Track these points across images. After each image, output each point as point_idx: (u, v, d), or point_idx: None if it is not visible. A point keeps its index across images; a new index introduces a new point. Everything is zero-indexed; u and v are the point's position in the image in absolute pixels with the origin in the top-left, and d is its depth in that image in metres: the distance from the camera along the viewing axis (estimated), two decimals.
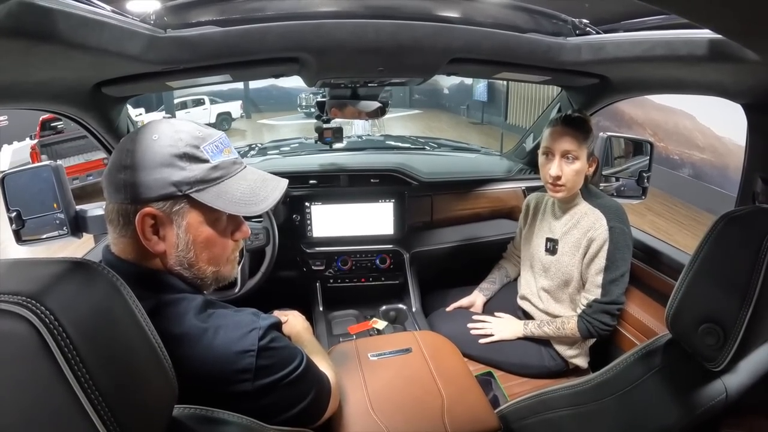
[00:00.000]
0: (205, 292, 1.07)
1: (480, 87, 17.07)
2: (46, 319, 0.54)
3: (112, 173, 0.96)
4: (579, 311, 1.86)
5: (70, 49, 0.89)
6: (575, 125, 1.81)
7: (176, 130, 0.98)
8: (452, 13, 1.37)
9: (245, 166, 1.09)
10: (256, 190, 1.05)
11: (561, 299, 1.96)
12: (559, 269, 1.93)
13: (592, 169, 1.88)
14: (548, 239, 1.99)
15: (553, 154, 1.83)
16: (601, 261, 1.79)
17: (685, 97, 7.84)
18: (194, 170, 0.96)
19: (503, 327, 2.05)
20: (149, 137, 0.96)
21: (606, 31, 1.50)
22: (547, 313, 2.00)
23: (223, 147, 1.03)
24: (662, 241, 2.09)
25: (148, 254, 0.98)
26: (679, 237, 6.39)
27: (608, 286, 1.79)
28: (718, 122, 7.56)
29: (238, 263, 1.92)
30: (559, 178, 1.81)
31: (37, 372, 0.54)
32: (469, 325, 2.07)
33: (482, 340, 2.02)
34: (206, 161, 0.98)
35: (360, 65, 1.54)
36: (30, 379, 0.54)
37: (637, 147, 2.31)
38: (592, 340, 1.95)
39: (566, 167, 1.80)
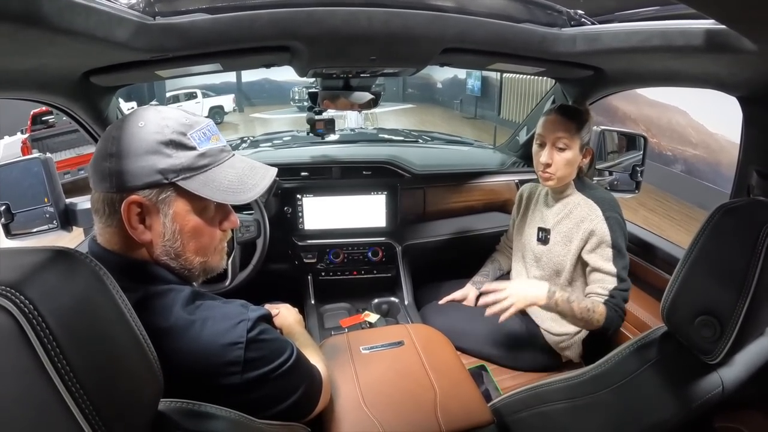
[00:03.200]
0: (194, 283, 1.05)
1: (471, 81, 17.09)
2: (26, 309, 0.52)
3: (97, 161, 0.95)
4: (601, 300, 1.77)
5: (56, 35, 0.87)
6: (569, 115, 1.81)
7: (163, 117, 0.96)
8: (446, 2, 1.36)
9: (233, 154, 1.07)
10: (244, 178, 1.04)
11: None
12: (550, 259, 1.92)
13: (586, 161, 1.88)
14: (540, 229, 1.98)
15: (545, 142, 1.83)
16: (607, 251, 1.77)
17: (679, 93, 7.93)
18: (181, 157, 0.95)
19: (522, 288, 1.75)
20: (135, 124, 0.94)
21: (601, 22, 1.48)
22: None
23: (211, 134, 1.02)
24: (656, 234, 2.09)
25: (135, 244, 0.97)
26: (671, 232, 6.42)
27: (622, 273, 1.77)
28: (711, 119, 7.61)
29: (228, 255, 1.92)
30: (549, 165, 1.81)
31: (16, 363, 0.52)
32: (481, 300, 1.80)
33: (502, 317, 1.70)
34: (193, 148, 0.97)
35: (352, 54, 1.52)
36: (9, 370, 0.52)
37: (630, 141, 2.31)
38: (585, 333, 1.94)
39: (557, 156, 1.80)
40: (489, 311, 1.73)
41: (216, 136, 1.03)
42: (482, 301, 1.78)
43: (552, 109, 1.85)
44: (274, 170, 1.11)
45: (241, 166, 1.06)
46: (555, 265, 1.91)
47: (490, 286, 1.80)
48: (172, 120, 0.96)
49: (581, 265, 1.87)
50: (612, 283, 1.76)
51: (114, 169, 0.92)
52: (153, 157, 0.93)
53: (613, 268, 1.76)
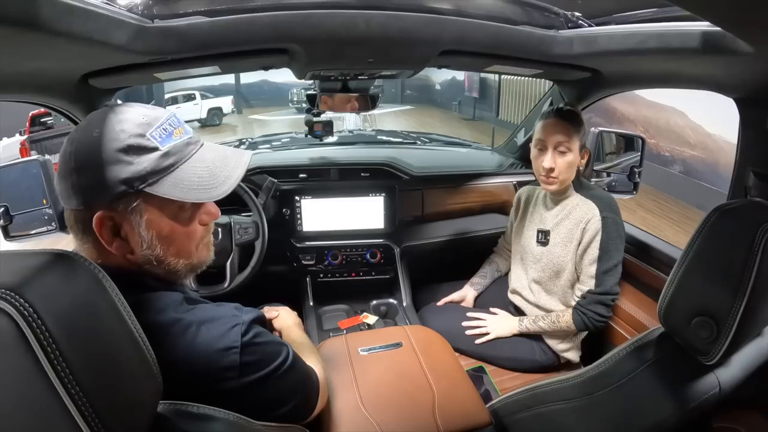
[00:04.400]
0: (187, 282, 1.04)
1: (469, 82, 17.10)
2: (25, 312, 0.52)
3: (60, 180, 0.91)
4: (573, 303, 1.86)
5: (54, 38, 0.87)
6: (567, 117, 1.81)
7: (119, 120, 0.90)
8: (443, 5, 1.36)
9: (201, 144, 1.01)
10: (215, 171, 0.97)
11: (552, 291, 1.96)
12: (550, 260, 1.92)
13: (584, 162, 1.88)
14: (539, 231, 1.99)
15: (546, 147, 1.82)
16: (594, 251, 1.80)
17: (677, 94, 7.93)
18: (143, 162, 0.89)
19: (498, 324, 2.03)
20: (90, 134, 0.88)
21: (598, 24, 1.49)
22: (538, 306, 2.00)
23: (173, 129, 0.95)
24: (653, 235, 2.09)
25: (114, 257, 0.93)
26: (669, 233, 6.42)
27: (602, 276, 1.79)
28: (709, 120, 7.62)
29: (227, 257, 1.92)
30: (552, 170, 1.81)
31: (16, 366, 0.52)
32: (464, 324, 2.06)
33: (478, 341, 2.01)
34: (155, 149, 0.90)
35: (350, 56, 1.52)
36: (9, 373, 0.52)
37: (628, 142, 2.31)
38: (584, 334, 1.95)
39: (559, 159, 1.80)
40: (469, 332, 2.05)
41: (179, 128, 0.96)
42: (465, 323, 2.08)
43: (549, 113, 1.85)
44: (249, 154, 1.06)
45: (211, 157, 0.99)
46: (555, 266, 1.91)
47: (474, 315, 2.11)
48: (128, 122, 0.90)
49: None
50: (588, 285, 1.82)
51: (77, 186, 0.88)
52: (114, 167, 0.87)
53: (591, 270, 1.81)
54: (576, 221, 1.85)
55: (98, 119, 0.90)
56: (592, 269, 1.80)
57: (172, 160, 0.92)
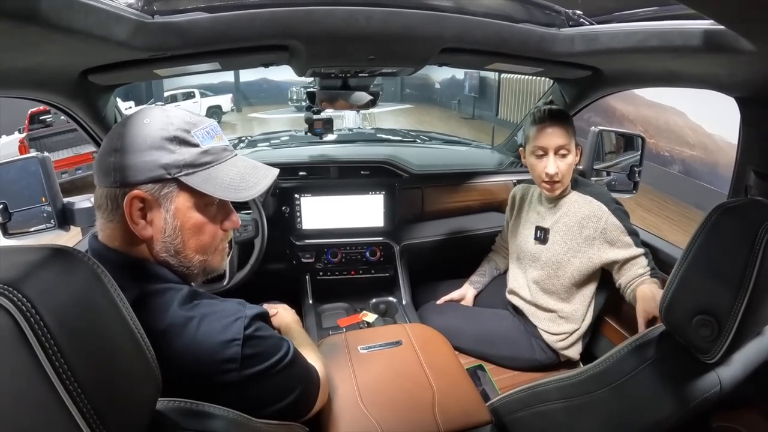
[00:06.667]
0: (192, 283, 1.05)
1: (469, 82, 17.07)
2: (23, 307, 0.52)
3: (102, 157, 0.96)
4: (638, 279, 1.77)
5: (54, 32, 0.87)
6: (562, 119, 1.81)
7: (168, 115, 0.98)
8: (444, 2, 1.36)
9: (235, 154, 1.08)
10: (246, 176, 1.05)
11: (551, 290, 1.94)
12: (549, 258, 1.91)
13: (578, 159, 1.88)
14: (538, 228, 1.98)
15: (546, 152, 1.81)
16: (626, 239, 1.78)
17: (677, 94, 7.93)
18: (184, 153, 0.96)
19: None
20: (141, 121, 0.96)
21: (600, 23, 1.48)
22: (536, 305, 1.99)
23: (214, 134, 1.03)
24: (654, 234, 2.09)
25: (135, 240, 0.97)
26: (668, 233, 6.42)
27: (642, 246, 1.80)
28: (709, 120, 7.61)
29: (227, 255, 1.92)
30: (556, 175, 1.80)
31: (13, 362, 0.52)
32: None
33: None
34: (196, 145, 0.98)
35: (351, 53, 1.52)
36: (6, 368, 0.52)
37: (628, 141, 2.31)
38: (583, 332, 1.93)
39: (560, 163, 1.80)
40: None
41: (219, 135, 1.04)
42: None
43: (543, 117, 1.83)
44: (276, 171, 1.12)
45: (243, 164, 1.07)
46: (555, 264, 1.90)
47: None
48: (177, 118, 0.98)
49: (590, 265, 1.86)
50: (645, 260, 1.77)
51: (117, 164, 0.93)
52: (156, 152, 0.94)
53: (640, 250, 1.78)
54: (579, 219, 1.84)
55: (150, 112, 0.99)
56: (638, 250, 1.78)
57: (209, 158, 1.00)
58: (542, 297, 1.97)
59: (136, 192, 0.93)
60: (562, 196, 1.91)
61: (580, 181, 1.94)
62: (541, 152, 1.83)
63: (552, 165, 1.80)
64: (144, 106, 1.04)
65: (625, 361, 1.12)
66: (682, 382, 1.03)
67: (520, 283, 2.08)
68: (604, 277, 1.90)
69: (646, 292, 1.67)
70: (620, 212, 1.80)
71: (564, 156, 1.80)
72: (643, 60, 1.46)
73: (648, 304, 1.64)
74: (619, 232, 1.79)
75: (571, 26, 1.52)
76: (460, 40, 1.45)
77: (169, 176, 0.95)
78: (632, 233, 1.79)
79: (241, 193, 1.02)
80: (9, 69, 1.15)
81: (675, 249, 1.93)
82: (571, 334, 1.93)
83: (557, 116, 1.81)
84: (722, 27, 1.04)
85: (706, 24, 1.11)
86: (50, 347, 0.53)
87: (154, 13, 1.18)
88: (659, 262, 1.90)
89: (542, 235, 1.95)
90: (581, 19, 1.50)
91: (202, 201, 1.00)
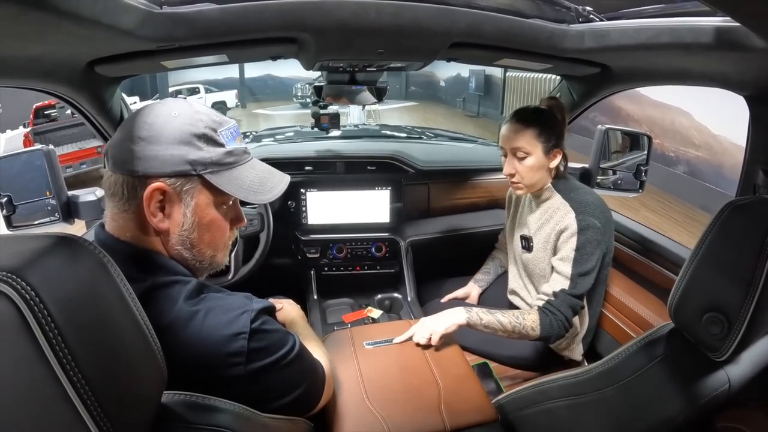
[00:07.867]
0: (199, 278, 1.05)
1: (474, 79, 17.06)
2: (27, 295, 0.51)
3: (123, 143, 0.95)
4: (541, 304, 1.71)
5: (61, 19, 0.85)
6: (526, 121, 1.78)
7: (195, 111, 0.99)
8: None
9: (253, 158, 1.10)
10: (264, 180, 1.08)
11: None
12: (536, 266, 1.90)
13: (557, 161, 1.82)
14: (522, 237, 1.97)
15: (506, 153, 1.82)
16: (569, 252, 1.70)
17: (682, 94, 7.92)
18: (211, 152, 0.98)
19: (437, 322, 1.63)
20: (170, 113, 0.97)
21: (609, 19, 1.48)
22: None
23: (236, 135, 1.05)
24: (658, 233, 2.08)
25: (148, 231, 0.98)
26: (673, 233, 6.36)
27: (577, 278, 1.68)
28: (715, 121, 7.59)
29: (231, 249, 1.91)
30: (513, 175, 1.81)
31: (16, 351, 0.51)
32: (396, 340, 1.61)
33: (432, 341, 1.58)
34: (222, 145, 1.00)
35: (360, 47, 1.51)
36: (9, 358, 0.51)
37: (634, 140, 2.31)
38: (584, 333, 1.91)
39: (518, 165, 1.79)
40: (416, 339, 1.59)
41: (240, 137, 1.07)
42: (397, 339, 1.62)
43: (512, 116, 1.82)
44: (288, 177, 1.15)
45: (261, 168, 1.10)
46: (541, 272, 1.89)
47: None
48: (205, 115, 1.00)
49: None
50: (562, 284, 1.69)
51: (142, 153, 0.93)
52: (185, 147, 0.95)
53: (567, 270, 1.69)
54: (553, 225, 1.80)
55: (176, 104, 1.00)
56: (568, 269, 1.69)
57: (232, 159, 1.02)
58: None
59: (158, 184, 0.93)
60: (545, 200, 1.87)
61: (571, 184, 1.87)
62: (503, 152, 1.85)
63: (507, 165, 1.82)
64: (167, 98, 1.03)
65: (633, 359, 1.12)
66: (691, 380, 1.02)
67: (519, 284, 2.07)
68: (603, 277, 1.86)
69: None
70: (586, 226, 1.70)
71: (522, 159, 1.78)
72: (653, 57, 1.45)
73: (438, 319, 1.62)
74: (566, 241, 1.72)
75: (581, 22, 1.51)
76: (469, 35, 1.44)
77: (194, 172, 0.96)
78: (579, 250, 1.68)
79: (260, 195, 1.05)
80: (16, 57, 1.14)
81: (679, 247, 1.91)
82: (573, 337, 1.91)
83: (525, 117, 1.79)
84: (733, 24, 1.04)
85: (717, 21, 1.10)
86: (54, 336, 0.52)
87: (163, 3, 1.17)
88: (663, 259, 1.89)
89: (527, 244, 1.94)
90: (591, 16, 1.50)
91: (220, 199, 1.02)
